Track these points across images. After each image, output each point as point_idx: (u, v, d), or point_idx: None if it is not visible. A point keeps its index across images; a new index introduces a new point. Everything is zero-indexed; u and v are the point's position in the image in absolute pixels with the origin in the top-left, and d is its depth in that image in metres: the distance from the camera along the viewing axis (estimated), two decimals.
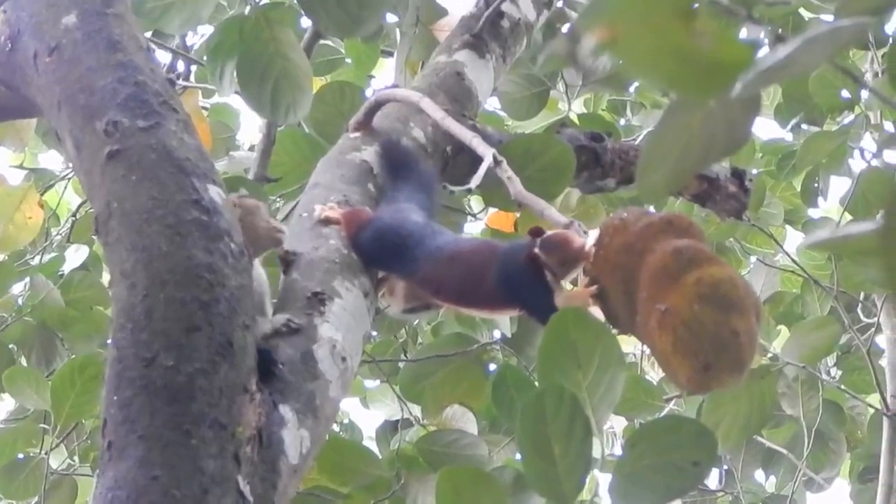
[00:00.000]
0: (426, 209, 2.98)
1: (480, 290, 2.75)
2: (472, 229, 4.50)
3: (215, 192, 2.40)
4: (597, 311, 2.53)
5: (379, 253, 2.83)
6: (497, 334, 4.20)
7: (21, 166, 5.48)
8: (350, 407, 5.71)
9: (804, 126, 5.09)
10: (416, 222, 2.87)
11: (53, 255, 5.02)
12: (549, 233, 2.67)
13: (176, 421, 2.11)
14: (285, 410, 2.36)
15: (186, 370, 2.16)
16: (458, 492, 2.32)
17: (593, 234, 2.57)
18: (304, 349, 2.53)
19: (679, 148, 1.00)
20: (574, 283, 2.63)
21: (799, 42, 0.95)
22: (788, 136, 5.31)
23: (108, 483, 2.08)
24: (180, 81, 4.52)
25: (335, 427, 5.19)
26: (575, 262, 2.60)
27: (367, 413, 5.27)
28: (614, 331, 2.48)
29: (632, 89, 5.16)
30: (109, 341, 2.28)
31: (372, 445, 5.00)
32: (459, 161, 3.29)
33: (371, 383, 5.07)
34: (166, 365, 2.16)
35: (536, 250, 2.64)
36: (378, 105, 3.25)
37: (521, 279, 2.67)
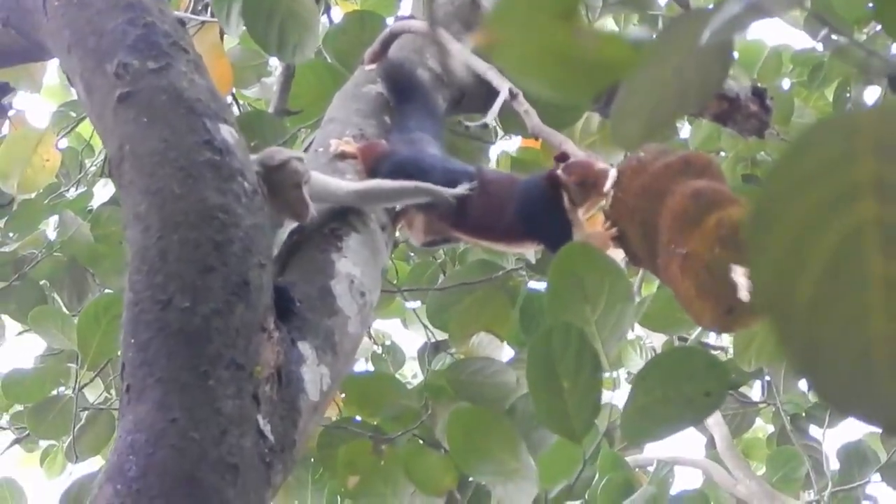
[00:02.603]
0: (437, 137, 2.98)
1: (499, 223, 2.75)
2: (501, 148, 4.49)
3: (227, 132, 2.39)
4: (618, 253, 2.53)
5: None
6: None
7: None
8: (392, 328, 5.74)
9: (833, 37, 5.04)
10: (434, 155, 2.87)
11: (83, 190, 5.05)
12: (573, 158, 2.68)
13: (193, 362, 2.11)
14: (304, 348, 2.36)
15: (202, 311, 2.15)
16: (468, 433, 2.33)
17: (612, 175, 2.56)
18: (321, 285, 2.54)
19: (653, 100, 0.99)
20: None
21: None
22: (820, 47, 5.26)
23: (128, 426, 2.08)
24: (207, 16, 4.49)
25: (377, 349, 5.22)
26: (594, 185, 2.60)
27: (408, 333, 5.31)
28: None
29: (662, 3, 5.11)
30: (125, 284, 2.28)
31: (413, 365, 5.04)
32: (476, 92, 3.28)
33: (412, 304, 5.06)
34: (182, 307, 2.15)
35: (558, 171, 2.65)
36: (393, 36, 3.24)
37: (540, 207, 2.67)
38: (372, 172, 2.83)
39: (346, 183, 2.76)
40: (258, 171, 2.45)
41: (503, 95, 2.78)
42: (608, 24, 5.22)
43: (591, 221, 2.63)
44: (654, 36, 0.97)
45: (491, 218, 2.76)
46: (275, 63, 4.82)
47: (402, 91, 3.08)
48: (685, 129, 5.22)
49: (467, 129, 3.27)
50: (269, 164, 2.53)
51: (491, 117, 2.80)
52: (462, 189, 2.73)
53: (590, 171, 2.63)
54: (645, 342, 5.70)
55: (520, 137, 4.22)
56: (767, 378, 5.55)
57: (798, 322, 0.71)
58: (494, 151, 4.31)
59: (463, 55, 3.02)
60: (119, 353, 2.24)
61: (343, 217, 2.71)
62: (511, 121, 3.33)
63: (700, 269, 2.29)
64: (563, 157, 2.68)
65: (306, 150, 3.11)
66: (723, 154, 5.01)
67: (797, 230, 0.71)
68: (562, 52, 0.87)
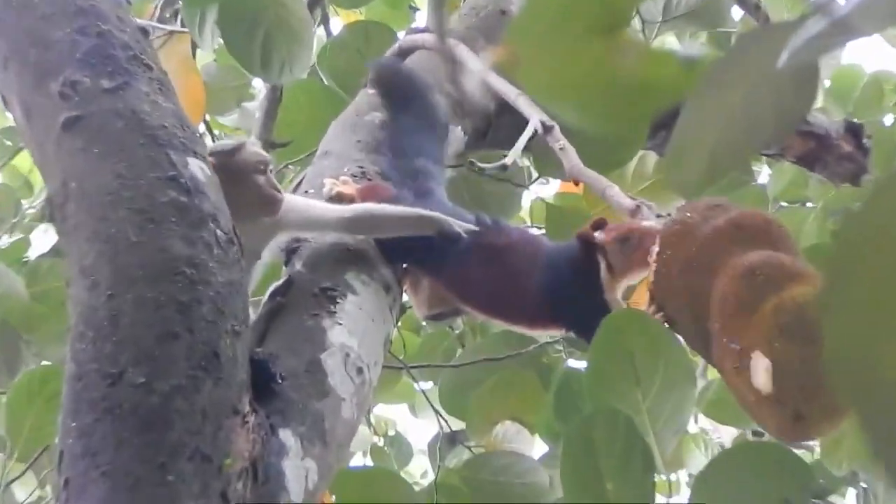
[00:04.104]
0: (437, 161, 2.99)
1: (517, 298, 2.74)
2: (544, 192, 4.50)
3: (197, 167, 2.38)
4: None
5: (401, 241, 2.79)
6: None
7: None
8: (397, 415, 5.72)
9: None
10: (444, 204, 2.87)
11: (18, 237, 5.06)
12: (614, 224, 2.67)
13: (148, 453, 2.08)
14: (286, 436, 2.36)
15: (161, 389, 2.12)
16: None
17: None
18: (309, 358, 2.54)
19: (715, 134, 0.99)
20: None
21: (858, 2, 0.94)
22: None
23: None
24: (176, 25, 4.51)
25: (378, 441, 5.22)
26: (638, 247, 2.58)
27: (416, 422, 5.29)
28: None
29: (737, 19, 5.13)
30: (67, 354, 2.26)
31: (423, 460, 5.02)
32: (504, 122, 3.29)
33: (424, 385, 5.02)
34: (136, 382, 2.12)
35: (594, 232, 2.65)
36: (403, 53, 3.25)
37: (569, 280, 2.66)
38: None
39: (334, 207, 2.77)
40: (213, 163, 2.46)
41: (532, 128, 2.79)
42: (670, 42, 5.24)
43: (635, 299, 2.62)
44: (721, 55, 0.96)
45: (505, 291, 2.75)
46: (259, 84, 4.84)
47: (397, 98, 3.08)
48: (763, 174, 5.23)
49: (482, 172, 3.23)
50: (222, 150, 2.57)
51: (512, 157, 2.80)
52: (471, 226, 2.73)
53: (633, 228, 2.61)
54: (711, 437, 5.69)
55: (558, 181, 4.23)
56: (863, 485, 5.52)
57: (883, 403, 0.70)
58: (528, 197, 4.32)
59: (485, 77, 3.02)
60: (57, 439, 2.22)
61: (338, 275, 2.71)
62: (547, 160, 3.33)
63: None
64: (600, 224, 2.67)
65: (295, 189, 3.11)
66: (809, 205, 5.00)
67: (879, 288, 0.71)
68: (597, 72, 0.87)
